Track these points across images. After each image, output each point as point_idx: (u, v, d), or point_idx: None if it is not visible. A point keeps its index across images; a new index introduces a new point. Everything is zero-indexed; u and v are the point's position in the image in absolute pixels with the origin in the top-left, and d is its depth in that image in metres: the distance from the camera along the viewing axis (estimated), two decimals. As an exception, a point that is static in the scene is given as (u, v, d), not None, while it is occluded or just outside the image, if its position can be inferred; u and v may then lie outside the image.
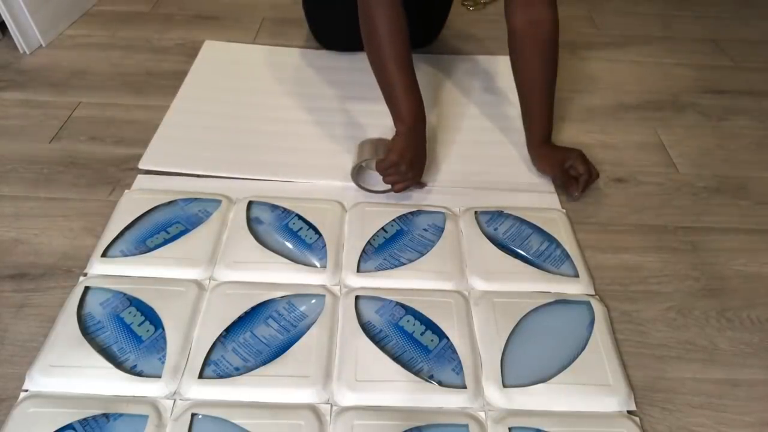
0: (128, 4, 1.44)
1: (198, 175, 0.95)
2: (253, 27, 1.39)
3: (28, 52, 1.24)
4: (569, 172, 0.93)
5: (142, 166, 0.96)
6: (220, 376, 0.67)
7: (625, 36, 1.44)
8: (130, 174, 0.95)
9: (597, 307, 0.77)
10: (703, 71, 1.32)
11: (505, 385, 0.68)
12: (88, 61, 1.24)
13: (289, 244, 0.83)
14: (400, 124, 0.87)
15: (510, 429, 0.64)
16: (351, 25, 1.21)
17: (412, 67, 0.86)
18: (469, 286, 0.79)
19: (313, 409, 0.65)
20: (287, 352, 0.70)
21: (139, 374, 0.67)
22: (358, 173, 0.92)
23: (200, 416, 0.64)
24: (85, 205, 0.89)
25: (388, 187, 0.90)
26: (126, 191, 0.91)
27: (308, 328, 0.72)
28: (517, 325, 0.74)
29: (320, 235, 0.84)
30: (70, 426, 0.62)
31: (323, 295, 0.76)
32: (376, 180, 0.91)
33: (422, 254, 0.82)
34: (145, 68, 1.22)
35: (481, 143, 1.05)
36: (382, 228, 0.86)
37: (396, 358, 0.70)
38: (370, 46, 0.86)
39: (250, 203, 0.89)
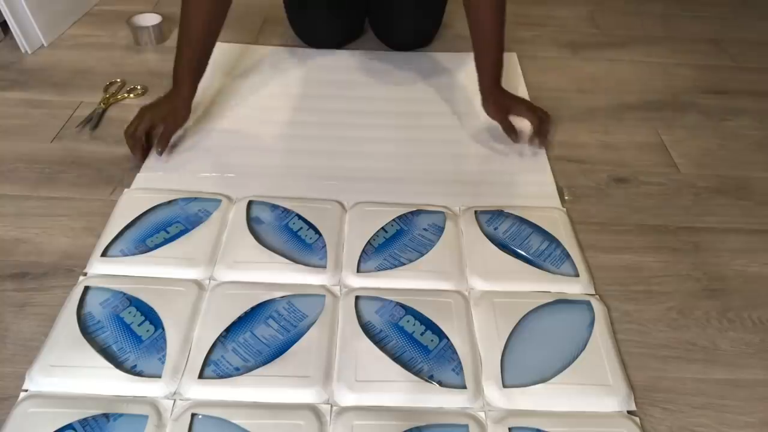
0: (129, 4, 1.44)
1: (198, 175, 0.94)
2: (254, 27, 1.38)
3: (29, 52, 1.24)
4: (514, 119, 1.02)
5: (143, 166, 0.96)
6: (220, 376, 0.67)
7: (627, 36, 1.43)
8: (131, 174, 0.95)
9: (597, 307, 0.77)
10: (705, 71, 1.31)
11: (505, 385, 0.68)
12: (90, 61, 1.24)
13: (289, 244, 0.83)
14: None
15: (510, 429, 0.64)
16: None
17: (201, 48, 1.00)
18: (469, 286, 0.79)
19: (313, 409, 0.65)
20: (287, 352, 0.70)
21: (139, 374, 0.67)
22: None
23: (200, 416, 0.64)
24: (86, 205, 0.89)
25: None
26: (126, 190, 0.91)
27: (308, 328, 0.72)
28: (517, 325, 0.74)
29: (320, 235, 0.84)
30: (70, 426, 0.62)
31: (323, 295, 0.76)
32: None
33: (422, 254, 0.82)
34: (146, 68, 1.22)
35: (482, 142, 1.05)
36: (382, 228, 0.86)
37: (396, 359, 0.70)
38: (181, 20, 0.97)
39: (250, 203, 0.89)
